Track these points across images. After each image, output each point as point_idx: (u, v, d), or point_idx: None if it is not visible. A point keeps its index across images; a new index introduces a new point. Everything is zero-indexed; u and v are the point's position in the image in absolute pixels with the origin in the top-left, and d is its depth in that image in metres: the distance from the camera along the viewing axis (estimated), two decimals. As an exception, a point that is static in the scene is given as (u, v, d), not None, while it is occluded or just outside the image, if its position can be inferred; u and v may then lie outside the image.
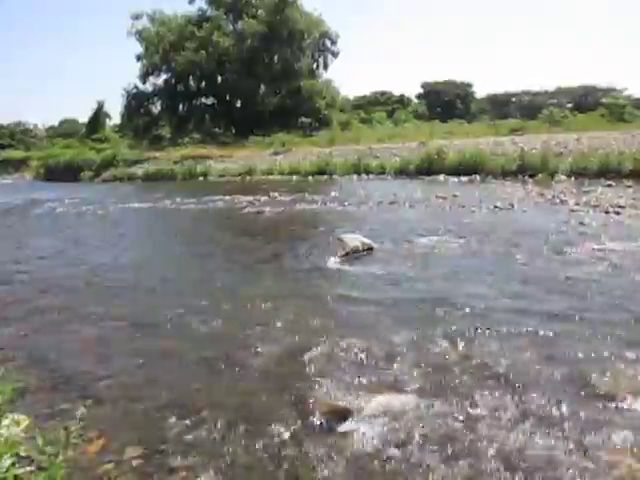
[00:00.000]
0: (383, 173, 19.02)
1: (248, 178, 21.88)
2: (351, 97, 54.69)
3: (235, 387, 3.46)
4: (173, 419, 3.09)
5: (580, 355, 3.64)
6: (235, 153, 28.60)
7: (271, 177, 21.37)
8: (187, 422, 3.05)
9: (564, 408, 3.00)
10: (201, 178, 23.65)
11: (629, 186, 12.16)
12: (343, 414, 2.99)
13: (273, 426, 2.96)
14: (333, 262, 6.62)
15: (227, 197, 14.80)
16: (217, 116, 41.40)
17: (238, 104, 41.85)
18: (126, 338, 4.44)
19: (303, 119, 37.19)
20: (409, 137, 28.05)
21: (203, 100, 43.27)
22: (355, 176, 19.28)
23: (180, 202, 14.45)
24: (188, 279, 6.36)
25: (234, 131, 38.42)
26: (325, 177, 19.82)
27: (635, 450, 2.60)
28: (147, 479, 2.60)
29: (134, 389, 3.52)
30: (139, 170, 26.95)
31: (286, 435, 2.88)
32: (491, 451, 2.64)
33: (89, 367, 3.89)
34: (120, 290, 5.94)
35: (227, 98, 42.10)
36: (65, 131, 58.31)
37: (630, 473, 2.44)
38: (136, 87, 41.81)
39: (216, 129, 38.58)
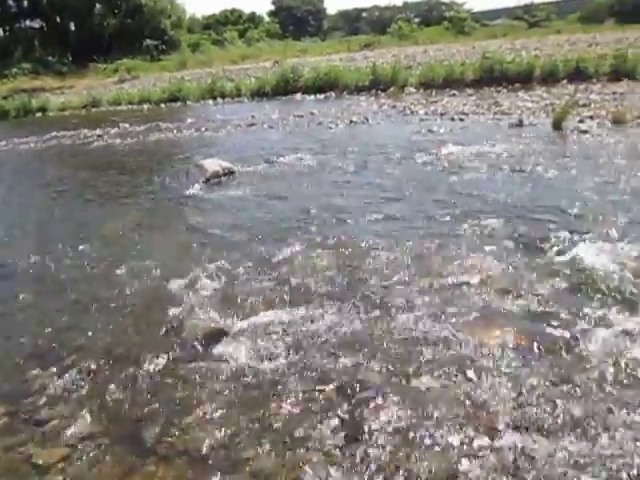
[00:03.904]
0: (239, 96, 18.41)
1: (94, 110, 20.09)
2: (199, 16, 51.65)
3: (103, 327, 3.31)
4: (37, 370, 2.91)
5: (423, 243, 3.97)
6: (75, 83, 26.18)
7: (119, 107, 19.79)
8: (53, 370, 2.89)
9: (421, 298, 3.29)
10: (39, 114, 21.25)
11: (471, 94, 13.00)
12: (218, 335, 3.02)
13: (147, 359, 2.90)
14: (194, 189, 6.43)
15: (72, 132, 13.50)
16: (48, 41, 36.61)
17: (72, 27, 37.34)
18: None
19: (148, 42, 34.49)
20: (263, 57, 27.46)
21: (28, 23, 37.91)
22: (210, 101, 18.50)
23: (17, 142, 12.93)
24: (42, 222, 5.84)
25: (71, 58, 34.61)
26: (178, 104, 18.80)
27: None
28: (16, 435, 2.47)
29: (-12, 346, 3.24)
30: (-42, 108, 23.49)
31: (161, 365, 2.85)
32: (365, 349, 2.84)
33: None
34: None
35: (58, 20, 37.30)
36: None
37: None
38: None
39: (49, 57, 34.34)
